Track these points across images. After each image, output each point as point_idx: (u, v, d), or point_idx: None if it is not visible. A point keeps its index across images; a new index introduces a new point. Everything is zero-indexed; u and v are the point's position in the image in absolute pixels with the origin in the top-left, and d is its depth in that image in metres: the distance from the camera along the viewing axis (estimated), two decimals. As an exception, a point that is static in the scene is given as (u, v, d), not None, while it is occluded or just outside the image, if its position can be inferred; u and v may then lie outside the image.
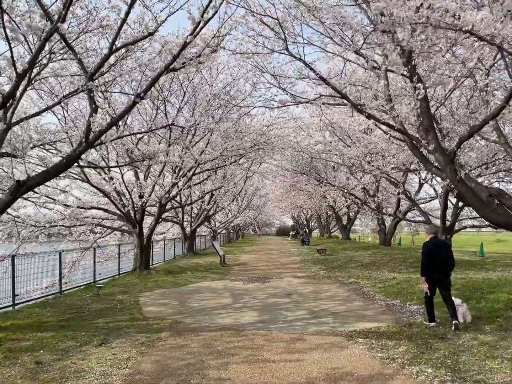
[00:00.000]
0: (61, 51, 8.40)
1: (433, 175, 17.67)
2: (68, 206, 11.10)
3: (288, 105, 9.86)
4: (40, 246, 14.69)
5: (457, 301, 6.64)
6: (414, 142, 9.57)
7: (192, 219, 24.22)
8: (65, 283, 10.94)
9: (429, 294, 6.71)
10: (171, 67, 6.69)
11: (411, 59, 7.73)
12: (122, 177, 11.81)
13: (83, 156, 9.26)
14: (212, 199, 22.68)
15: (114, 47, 6.72)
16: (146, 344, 5.97)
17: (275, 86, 10.20)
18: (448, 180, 7.87)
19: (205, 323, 7.23)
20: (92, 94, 6.53)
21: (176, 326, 7.06)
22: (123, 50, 8.01)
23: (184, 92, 12.29)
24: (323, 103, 10.28)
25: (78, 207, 10.82)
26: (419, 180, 20.77)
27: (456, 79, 11.44)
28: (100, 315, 7.99)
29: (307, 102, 9.90)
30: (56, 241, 17.66)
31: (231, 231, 46.23)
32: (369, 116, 9.12)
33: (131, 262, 15.46)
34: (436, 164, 9.47)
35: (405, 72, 7.77)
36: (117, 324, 7.17)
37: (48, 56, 8.31)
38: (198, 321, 7.40)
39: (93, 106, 6.64)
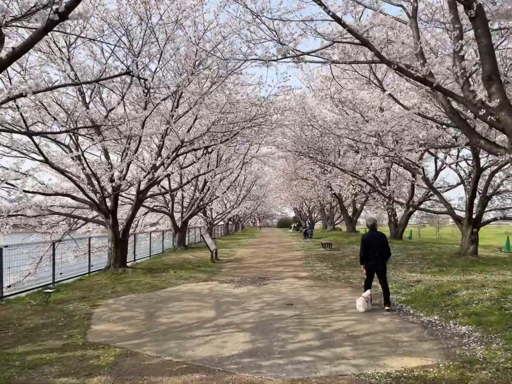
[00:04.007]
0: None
1: (456, 156, 15.33)
2: (14, 186, 8.79)
3: (288, 57, 7.56)
4: (3, 238, 12.68)
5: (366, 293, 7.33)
6: (456, 106, 7.29)
7: (184, 209, 21.88)
8: (8, 286, 8.72)
9: (366, 278, 7.54)
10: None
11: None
12: (83, 154, 9.42)
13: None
14: (205, 187, 20.35)
15: None
16: (59, 403, 3.73)
17: (274, 40, 7.98)
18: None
19: (168, 356, 4.98)
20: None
21: (123, 362, 4.80)
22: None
23: (161, 52, 9.90)
24: (333, 62, 8.10)
25: (24, 191, 8.55)
26: (436, 165, 18.38)
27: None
28: (27, 338, 5.74)
29: (313, 53, 7.59)
30: (24, 233, 15.58)
31: (229, 222, 43.96)
32: (399, 69, 6.84)
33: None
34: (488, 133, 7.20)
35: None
36: (38, 357, 4.91)
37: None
38: (160, 352, 5.14)
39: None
